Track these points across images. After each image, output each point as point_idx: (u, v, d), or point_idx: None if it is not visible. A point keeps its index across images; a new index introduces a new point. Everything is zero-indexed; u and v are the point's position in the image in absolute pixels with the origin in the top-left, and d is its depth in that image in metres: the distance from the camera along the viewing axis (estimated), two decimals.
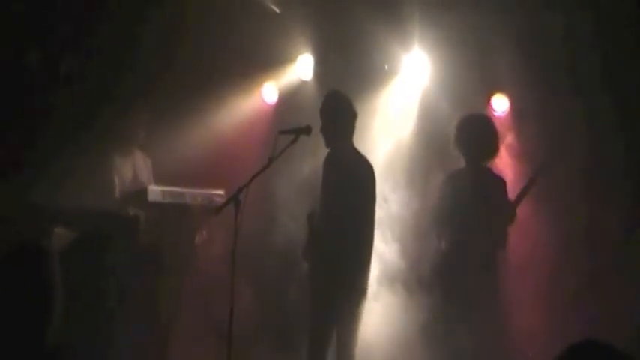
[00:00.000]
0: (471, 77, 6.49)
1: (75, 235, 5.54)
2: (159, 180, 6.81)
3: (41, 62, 6.29)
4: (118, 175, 6.72)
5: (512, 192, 5.92)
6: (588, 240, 6.14)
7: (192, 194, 6.43)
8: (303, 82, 7.33)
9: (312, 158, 6.04)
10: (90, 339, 5.21)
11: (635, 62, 5.93)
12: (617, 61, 5.97)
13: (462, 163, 5.93)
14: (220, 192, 6.34)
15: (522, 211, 5.88)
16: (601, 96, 5.94)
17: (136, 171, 6.88)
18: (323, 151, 5.75)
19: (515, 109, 6.73)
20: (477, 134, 5.82)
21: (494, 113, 6.60)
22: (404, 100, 6.96)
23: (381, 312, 5.80)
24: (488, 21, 6.32)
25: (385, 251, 5.85)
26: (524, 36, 6.34)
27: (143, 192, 6.38)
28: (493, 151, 5.87)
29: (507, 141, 6.40)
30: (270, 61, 7.30)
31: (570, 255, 6.18)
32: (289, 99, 7.35)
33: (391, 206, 6.04)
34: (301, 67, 7.30)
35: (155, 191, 6.34)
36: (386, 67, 7.02)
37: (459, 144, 5.87)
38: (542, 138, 6.38)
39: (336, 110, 5.64)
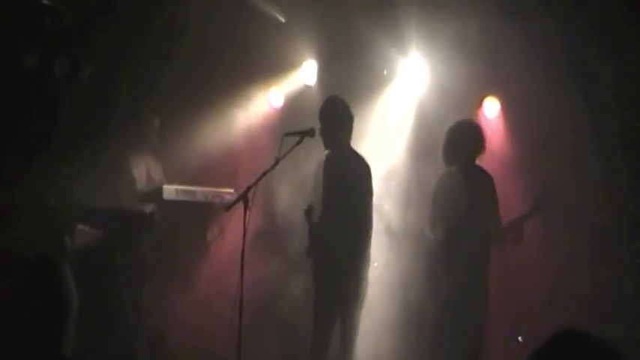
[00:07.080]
0: (464, 81, 6.59)
1: (97, 233, 5.80)
2: (173, 179, 7.01)
3: (50, 65, 6.23)
4: (135, 172, 6.96)
5: (501, 190, 6.02)
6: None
7: (204, 192, 6.65)
8: (308, 87, 7.48)
9: (315, 158, 6.22)
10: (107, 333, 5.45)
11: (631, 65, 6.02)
12: (613, 66, 6.00)
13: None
14: (230, 190, 6.58)
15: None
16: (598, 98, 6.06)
17: (149, 172, 7.11)
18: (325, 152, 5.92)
19: (506, 112, 6.86)
20: (464, 140, 5.96)
21: (486, 115, 6.76)
22: (402, 102, 7.09)
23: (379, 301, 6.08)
24: (482, 27, 6.37)
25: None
26: (518, 41, 6.33)
27: (158, 190, 6.61)
28: (479, 152, 6.02)
29: (496, 143, 6.52)
30: (276, 68, 7.47)
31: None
32: (294, 103, 7.50)
33: (386, 205, 6.30)
34: (306, 73, 7.48)
35: (170, 189, 6.57)
36: (385, 72, 7.17)
37: (449, 149, 6.02)
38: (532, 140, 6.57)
39: (333, 115, 5.81)
